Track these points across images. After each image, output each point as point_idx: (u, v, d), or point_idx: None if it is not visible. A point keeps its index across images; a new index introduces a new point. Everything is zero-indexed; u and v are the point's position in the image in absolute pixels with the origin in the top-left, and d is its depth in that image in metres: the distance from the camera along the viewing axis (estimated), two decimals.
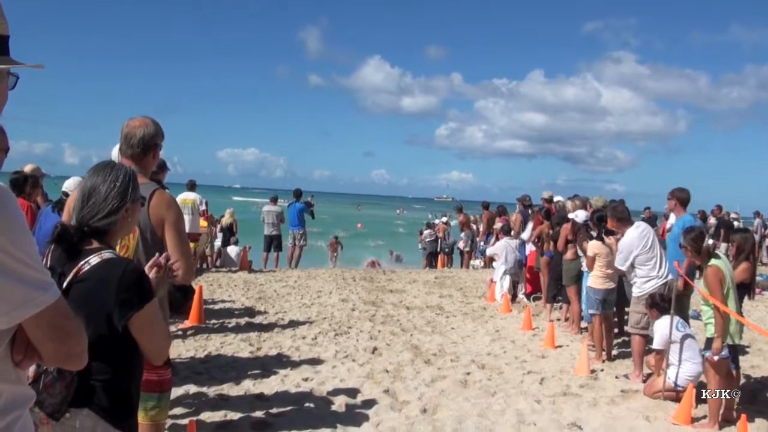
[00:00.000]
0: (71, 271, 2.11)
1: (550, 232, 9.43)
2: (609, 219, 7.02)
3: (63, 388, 2.02)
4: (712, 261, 5.22)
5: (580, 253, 8.05)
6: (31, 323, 1.39)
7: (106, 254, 2.15)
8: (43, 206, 5.88)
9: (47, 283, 1.40)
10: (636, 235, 6.61)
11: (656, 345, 6.03)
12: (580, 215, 8.36)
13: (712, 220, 17.25)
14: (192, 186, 12.70)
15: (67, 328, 1.46)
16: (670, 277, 6.51)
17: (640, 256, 6.52)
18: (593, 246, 7.30)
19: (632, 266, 6.60)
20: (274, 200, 15.98)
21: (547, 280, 9.76)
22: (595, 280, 7.27)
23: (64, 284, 2.07)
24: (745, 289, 5.87)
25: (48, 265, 2.18)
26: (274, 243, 15.34)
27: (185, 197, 11.82)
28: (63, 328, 1.45)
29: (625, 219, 6.85)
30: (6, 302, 1.32)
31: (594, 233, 7.59)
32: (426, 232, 19.68)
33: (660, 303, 6.19)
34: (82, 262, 2.12)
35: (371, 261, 20.69)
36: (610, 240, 7.25)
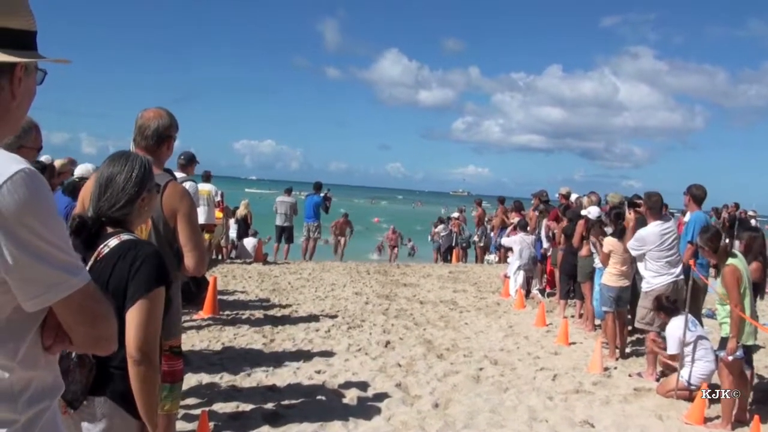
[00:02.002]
0: (92, 256, 2.13)
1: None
2: (643, 206, 6.95)
3: (83, 376, 2.02)
4: (729, 260, 5.17)
5: (593, 249, 8.01)
6: (62, 307, 1.38)
7: (125, 236, 2.17)
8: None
9: (78, 267, 1.40)
10: (656, 231, 6.54)
11: (671, 350, 5.97)
12: (592, 212, 8.31)
13: (726, 217, 17.20)
14: (207, 177, 12.75)
15: (97, 311, 1.45)
16: (681, 277, 6.45)
17: (653, 252, 6.48)
18: (608, 243, 7.25)
19: (643, 257, 6.57)
20: (288, 191, 16.02)
21: (560, 276, 9.71)
22: (609, 277, 7.22)
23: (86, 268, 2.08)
24: (756, 288, 5.80)
25: None
26: (285, 234, 15.35)
27: (201, 188, 11.86)
28: (93, 312, 1.44)
29: (656, 211, 6.72)
30: (37, 285, 1.32)
31: (609, 230, 7.54)
32: (439, 227, 19.65)
33: (666, 305, 6.13)
34: (102, 246, 2.14)
35: (391, 230, 21.33)
36: (630, 215, 7.16)
